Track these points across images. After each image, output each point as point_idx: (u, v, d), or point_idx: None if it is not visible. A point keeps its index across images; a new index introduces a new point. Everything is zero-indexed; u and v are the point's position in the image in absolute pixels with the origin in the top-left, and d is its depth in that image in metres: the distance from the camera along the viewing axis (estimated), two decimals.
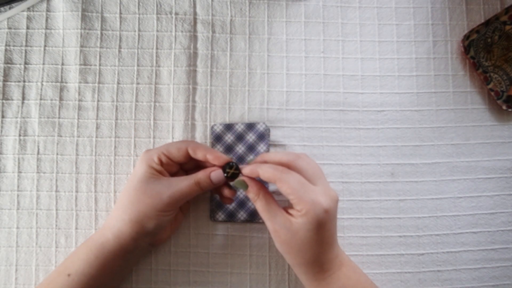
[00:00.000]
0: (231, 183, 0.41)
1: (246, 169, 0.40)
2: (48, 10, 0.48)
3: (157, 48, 0.48)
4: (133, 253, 0.41)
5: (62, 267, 0.40)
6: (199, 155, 0.41)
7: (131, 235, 0.39)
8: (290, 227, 0.37)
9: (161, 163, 0.40)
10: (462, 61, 0.49)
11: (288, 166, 0.39)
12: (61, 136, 0.47)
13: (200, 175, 0.40)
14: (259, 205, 0.39)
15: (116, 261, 0.40)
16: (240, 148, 0.46)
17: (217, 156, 0.40)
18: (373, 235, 0.46)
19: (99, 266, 0.39)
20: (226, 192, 0.42)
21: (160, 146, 0.42)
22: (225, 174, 0.40)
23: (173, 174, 0.43)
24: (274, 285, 0.45)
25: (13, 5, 0.48)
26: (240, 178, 0.40)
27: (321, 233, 0.37)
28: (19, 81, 0.47)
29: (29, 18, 0.47)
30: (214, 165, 0.41)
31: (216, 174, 0.40)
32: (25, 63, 0.47)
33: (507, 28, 0.48)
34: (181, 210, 0.44)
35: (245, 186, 0.39)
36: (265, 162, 0.40)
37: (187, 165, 0.44)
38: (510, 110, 0.47)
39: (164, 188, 0.39)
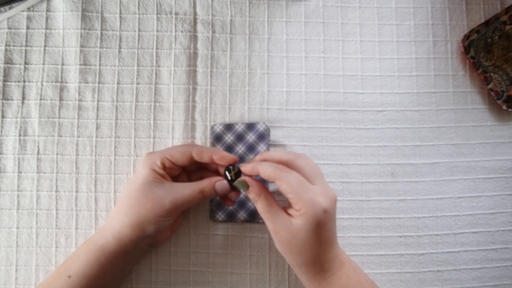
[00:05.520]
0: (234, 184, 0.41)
1: (246, 167, 0.40)
2: (48, 10, 0.48)
3: (157, 48, 0.48)
4: (132, 254, 0.41)
5: (62, 268, 0.40)
6: (205, 158, 0.41)
7: (131, 238, 0.39)
8: (290, 228, 0.37)
9: (164, 167, 0.40)
10: (462, 61, 0.49)
11: (288, 165, 0.39)
12: (61, 136, 0.47)
13: (205, 183, 0.40)
14: (260, 205, 0.39)
15: (116, 262, 0.40)
16: (240, 148, 0.46)
17: (223, 156, 0.40)
18: (373, 235, 0.46)
19: (99, 267, 0.39)
20: (231, 194, 0.42)
21: (163, 150, 0.42)
22: (228, 177, 0.40)
23: (175, 177, 0.43)
24: (274, 285, 0.45)
25: (13, 5, 0.48)
26: (241, 178, 0.40)
27: (321, 233, 0.37)
28: (19, 81, 0.47)
29: (29, 18, 0.47)
30: (219, 165, 0.41)
31: (221, 184, 0.40)
32: (25, 63, 0.47)
33: (507, 28, 0.48)
34: (181, 211, 0.44)
35: (246, 187, 0.39)
36: (265, 160, 0.40)
37: (190, 167, 0.44)
38: (510, 110, 0.47)
39: (166, 193, 0.39)
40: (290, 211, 0.38)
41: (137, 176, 0.40)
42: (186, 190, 0.39)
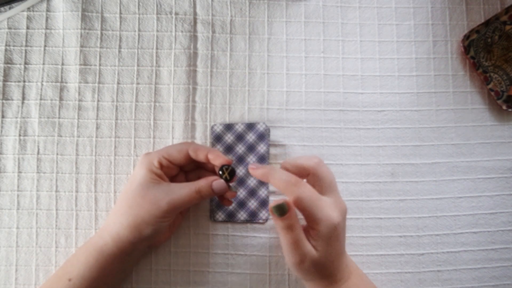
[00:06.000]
0: (271, 207, 0.36)
1: (256, 172, 0.38)
2: (48, 10, 0.48)
3: (157, 48, 0.48)
4: (131, 255, 0.41)
5: (62, 271, 0.40)
6: (200, 156, 0.40)
7: (129, 239, 0.39)
8: (315, 255, 0.36)
9: (161, 166, 0.40)
10: (462, 61, 0.49)
11: (310, 173, 0.38)
12: (61, 136, 0.47)
13: (202, 183, 0.39)
14: (290, 236, 0.36)
15: (116, 264, 0.40)
16: (240, 148, 0.46)
17: (218, 156, 0.40)
18: (373, 235, 0.46)
19: (99, 269, 0.39)
20: (227, 193, 0.42)
21: (160, 149, 0.41)
22: (222, 176, 0.40)
23: (173, 177, 0.43)
24: (274, 285, 0.45)
25: (13, 5, 0.48)
26: (284, 200, 0.36)
27: (334, 247, 0.37)
28: (19, 81, 0.47)
29: (29, 18, 0.47)
30: (215, 165, 0.41)
31: (218, 184, 0.40)
32: (25, 63, 0.47)
33: (507, 28, 0.48)
34: (180, 212, 0.44)
35: (285, 211, 0.35)
36: (287, 169, 0.39)
37: (187, 166, 0.44)
38: (510, 110, 0.47)
39: (163, 194, 0.39)
40: (308, 232, 0.37)
41: (135, 177, 0.40)
42: (183, 190, 0.39)
